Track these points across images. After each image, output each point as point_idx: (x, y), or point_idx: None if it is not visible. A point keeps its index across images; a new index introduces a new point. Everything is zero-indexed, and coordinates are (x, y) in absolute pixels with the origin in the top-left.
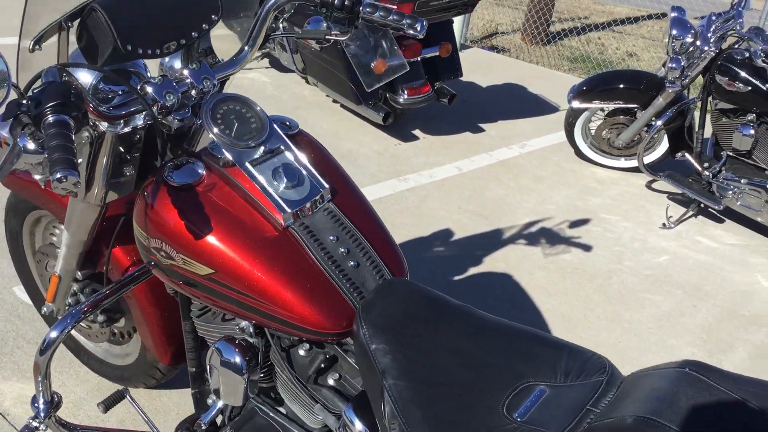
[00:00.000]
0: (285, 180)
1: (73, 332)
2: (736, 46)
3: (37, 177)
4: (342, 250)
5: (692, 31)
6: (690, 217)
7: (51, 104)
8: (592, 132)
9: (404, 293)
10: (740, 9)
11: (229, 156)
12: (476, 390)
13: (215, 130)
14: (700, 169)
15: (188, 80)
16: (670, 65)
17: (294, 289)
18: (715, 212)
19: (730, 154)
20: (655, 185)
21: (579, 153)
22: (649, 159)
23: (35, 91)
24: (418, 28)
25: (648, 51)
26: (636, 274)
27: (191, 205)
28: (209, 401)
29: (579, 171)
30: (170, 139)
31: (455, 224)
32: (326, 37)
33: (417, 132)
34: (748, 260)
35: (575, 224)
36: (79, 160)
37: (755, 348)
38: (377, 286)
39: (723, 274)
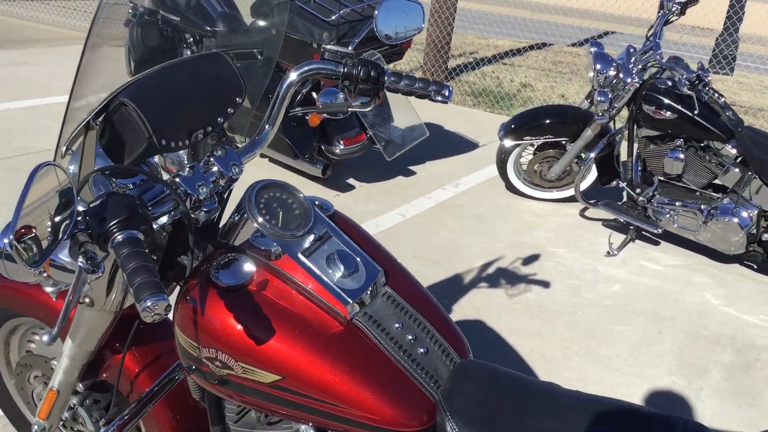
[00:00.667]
0: (342, 268)
1: None
2: (658, 76)
3: (48, 289)
4: (409, 337)
5: (614, 65)
6: (629, 242)
7: (118, 220)
8: (524, 167)
9: (481, 377)
10: (657, 41)
11: (277, 248)
12: None
13: (261, 220)
14: (634, 195)
15: (215, 168)
16: (598, 98)
17: (370, 387)
18: (650, 235)
19: (661, 178)
20: (587, 213)
21: (511, 188)
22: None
23: (93, 205)
24: (447, 94)
25: (540, 81)
26: (597, 306)
27: (248, 308)
28: None
29: (515, 206)
30: (198, 233)
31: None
32: (348, 109)
33: (352, 181)
34: (692, 280)
35: (527, 261)
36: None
37: (726, 369)
38: (451, 372)
39: (674, 297)
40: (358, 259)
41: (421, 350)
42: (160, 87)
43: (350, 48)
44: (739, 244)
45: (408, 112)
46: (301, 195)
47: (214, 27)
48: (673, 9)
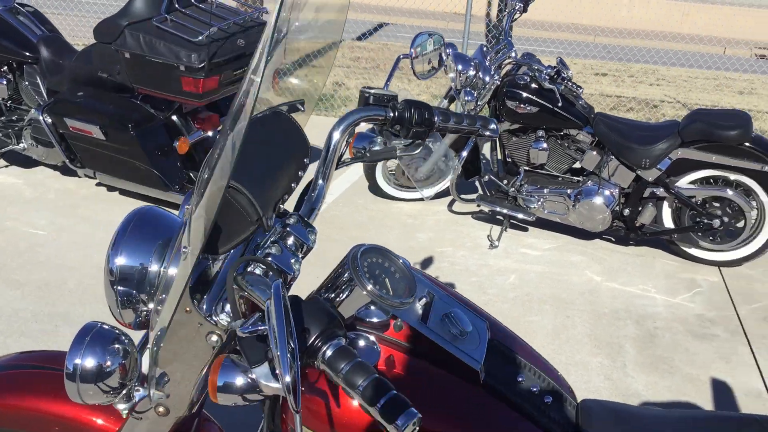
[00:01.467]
0: (459, 329)
1: None
2: (515, 72)
3: (120, 407)
4: (534, 389)
5: (473, 64)
6: (503, 232)
7: (322, 331)
8: (391, 170)
9: (607, 415)
10: (509, 39)
11: (397, 319)
12: None
13: (372, 288)
14: (504, 187)
15: (291, 239)
16: (466, 98)
17: None
18: (518, 223)
19: (527, 168)
20: (455, 208)
21: (378, 191)
22: (442, 186)
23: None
24: (494, 129)
25: (350, 78)
26: (504, 300)
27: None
28: None
29: (388, 210)
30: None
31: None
32: (399, 154)
33: None
34: (570, 260)
35: (425, 264)
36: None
37: (636, 342)
38: (576, 414)
39: (563, 279)
40: (465, 316)
41: (547, 400)
42: (246, 160)
43: (385, 88)
44: (606, 222)
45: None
46: (401, 260)
47: (35, 53)
48: (517, 7)
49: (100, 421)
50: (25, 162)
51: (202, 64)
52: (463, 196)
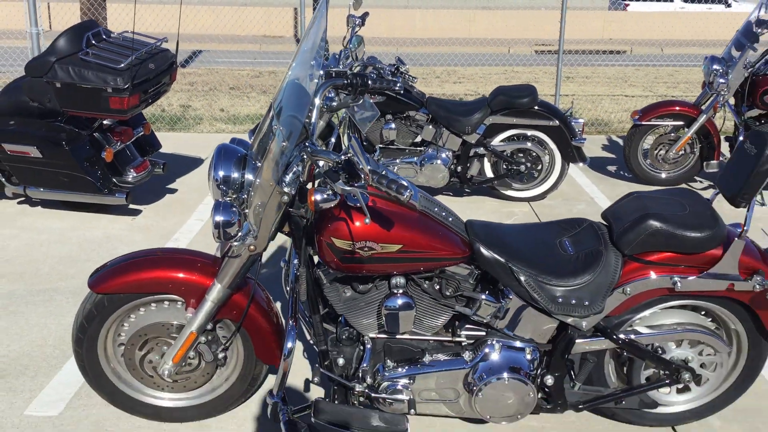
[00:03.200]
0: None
1: (176, 403)
2: (363, 71)
3: (235, 244)
4: (443, 213)
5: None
6: None
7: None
8: None
9: (481, 227)
10: (351, 47)
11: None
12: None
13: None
14: None
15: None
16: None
17: (440, 238)
18: None
19: (381, 146)
20: None
21: None
22: None
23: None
24: (401, 86)
25: (192, 101)
26: None
27: (377, 214)
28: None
29: None
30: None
31: None
32: (351, 104)
33: (133, 207)
34: None
35: None
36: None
37: None
38: (464, 225)
39: None
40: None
41: (450, 219)
42: None
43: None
44: (445, 178)
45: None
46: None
47: None
48: (357, 22)
49: (195, 276)
50: None
51: (127, 86)
52: None
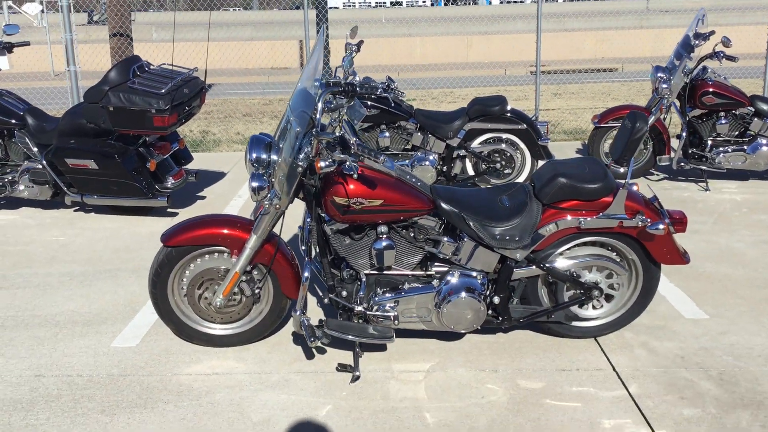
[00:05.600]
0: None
1: (220, 331)
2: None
3: (266, 202)
4: (413, 179)
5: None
6: None
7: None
8: None
9: (444, 191)
10: (352, 69)
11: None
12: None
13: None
14: None
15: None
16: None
17: (410, 195)
18: None
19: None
20: None
21: None
22: None
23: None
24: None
25: (212, 126)
26: None
27: (364, 179)
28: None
29: None
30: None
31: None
32: (345, 105)
33: (174, 210)
34: None
35: None
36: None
37: None
38: (430, 188)
39: None
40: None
41: (419, 184)
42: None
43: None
44: (433, 178)
45: None
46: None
47: (21, 121)
48: (354, 48)
49: (237, 232)
50: (7, 205)
51: (167, 107)
52: None
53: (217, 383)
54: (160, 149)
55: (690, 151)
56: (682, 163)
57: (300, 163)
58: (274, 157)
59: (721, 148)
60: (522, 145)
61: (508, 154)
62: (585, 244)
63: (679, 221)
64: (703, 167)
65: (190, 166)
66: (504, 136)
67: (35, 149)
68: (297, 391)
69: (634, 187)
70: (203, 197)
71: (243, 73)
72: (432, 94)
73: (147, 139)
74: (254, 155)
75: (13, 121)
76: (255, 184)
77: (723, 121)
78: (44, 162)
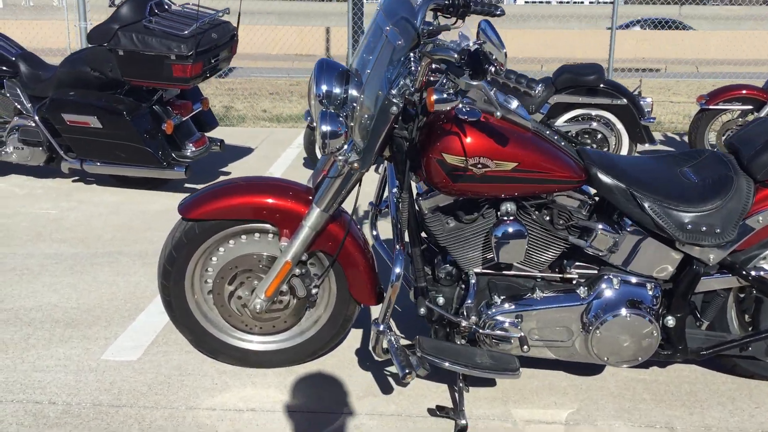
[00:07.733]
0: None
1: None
2: None
3: (340, 158)
4: (556, 137)
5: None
6: None
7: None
8: None
9: (595, 154)
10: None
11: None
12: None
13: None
14: None
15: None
16: None
17: (553, 159)
18: None
19: None
20: None
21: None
22: None
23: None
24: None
25: (235, 103)
26: None
27: (490, 130)
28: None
29: None
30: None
31: None
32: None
33: (192, 185)
34: None
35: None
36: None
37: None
38: (577, 152)
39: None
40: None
41: (563, 143)
42: None
43: None
44: None
45: None
46: None
47: (13, 68)
48: None
49: (289, 203)
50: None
51: (191, 53)
52: None
53: (252, 423)
54: (179, 109)
55: None
56: None
57: (395, 101)
58: (353, 92)
59: None
60: (619, 126)
61: (601, 136)
62: None
63: None
64: None
65: (213, 134)
66: (596, 113)
67: (28, 104)
68: None
69: None
70: (227, 173)
71: (266, 58)
72: None
73: (164, 94)
74: (324, 87)
75: (3, 68)
76: (327, 128)
77: None
78: (37, 118)
